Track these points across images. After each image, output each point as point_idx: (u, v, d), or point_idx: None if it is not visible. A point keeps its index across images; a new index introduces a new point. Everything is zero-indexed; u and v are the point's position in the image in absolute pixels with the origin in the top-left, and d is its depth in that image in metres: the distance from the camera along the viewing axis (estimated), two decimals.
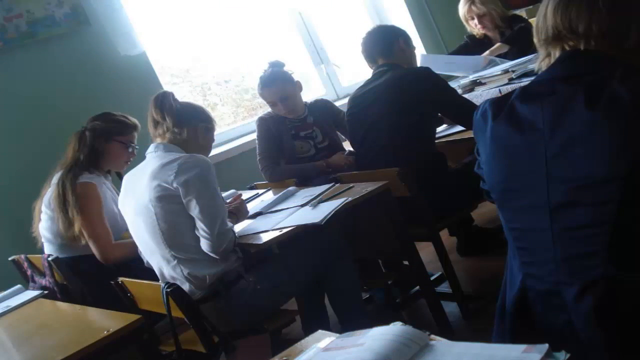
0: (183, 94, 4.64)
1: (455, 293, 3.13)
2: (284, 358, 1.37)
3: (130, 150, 3.27)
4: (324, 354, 1.28)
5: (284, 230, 2.56)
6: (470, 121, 1.68)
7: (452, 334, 2.88)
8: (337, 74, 5.18)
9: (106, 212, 3.09)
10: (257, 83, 3.67)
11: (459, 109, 3.15)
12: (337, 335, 1.36)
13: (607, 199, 1.38)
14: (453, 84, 3.61)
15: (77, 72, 3.92)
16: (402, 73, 3.21)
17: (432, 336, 1.24)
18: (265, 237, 2.57)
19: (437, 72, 3.21)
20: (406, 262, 3.32)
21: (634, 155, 1.35)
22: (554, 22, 1.53)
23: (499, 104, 1.58)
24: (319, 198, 2.82)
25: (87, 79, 3.94)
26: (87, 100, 3.81)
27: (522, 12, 4.97)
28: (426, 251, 3.33)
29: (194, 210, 2.48)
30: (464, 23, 4.42)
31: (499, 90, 3.32)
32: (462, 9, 4.37)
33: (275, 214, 2.83)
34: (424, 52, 5.09)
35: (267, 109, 3.77)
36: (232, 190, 3.41)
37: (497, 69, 3.87)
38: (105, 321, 2.22)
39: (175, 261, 2.56)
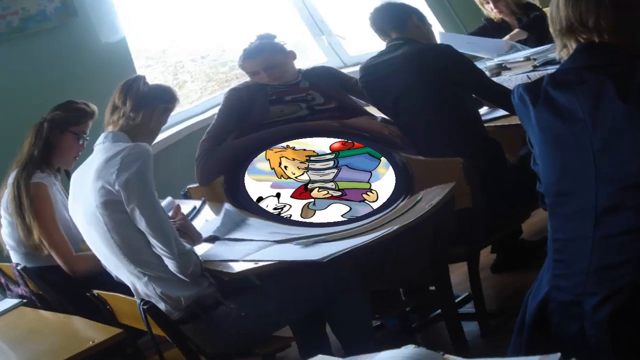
0: (154, 76, 4.48)
1: (477, 312, 2.75)
2: None
3: (80, 142, 2.96)
4: None
5: (261, 264, 2.20)
6: (510, 104, 1.64)
7: (468, 352, 2.58)
8: (342, 44, 4.98)
9: (59, 219, 2.78)
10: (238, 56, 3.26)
11: (493, 91, 2.85)
12: (340, 359, 1.29)
13: None
14: (480, 65, 3.33)
15: (55, 65, 3.79)
16: (421, 48, 2.89)
17: (446, 356, 1.21)
18: (238, 267, 2.23)
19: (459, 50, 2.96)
20: (432, 287, 2.83)
21: None
22: (566, 14, 1.56)
23: (532, 89, 1.57)
24: (322, 238, 2.31)
25: (66, 71, 3.79)
26: (62, 93, 3.43)
27: (535, 1, 4.86)
28: (457, 273, 2.89)
29: (140, 223, 2.23)
30: (480, 6, 4.35)
31: (527, 76, 3.18)
32: None
33: (238, 243, 2.43)
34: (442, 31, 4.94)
35: (244, 80, 3.37)
36: (168, 199, 3.00)
37: (519, 55, 3.76)
38: (89, 332, 2.18)
39: (146, 278, 2.30)
